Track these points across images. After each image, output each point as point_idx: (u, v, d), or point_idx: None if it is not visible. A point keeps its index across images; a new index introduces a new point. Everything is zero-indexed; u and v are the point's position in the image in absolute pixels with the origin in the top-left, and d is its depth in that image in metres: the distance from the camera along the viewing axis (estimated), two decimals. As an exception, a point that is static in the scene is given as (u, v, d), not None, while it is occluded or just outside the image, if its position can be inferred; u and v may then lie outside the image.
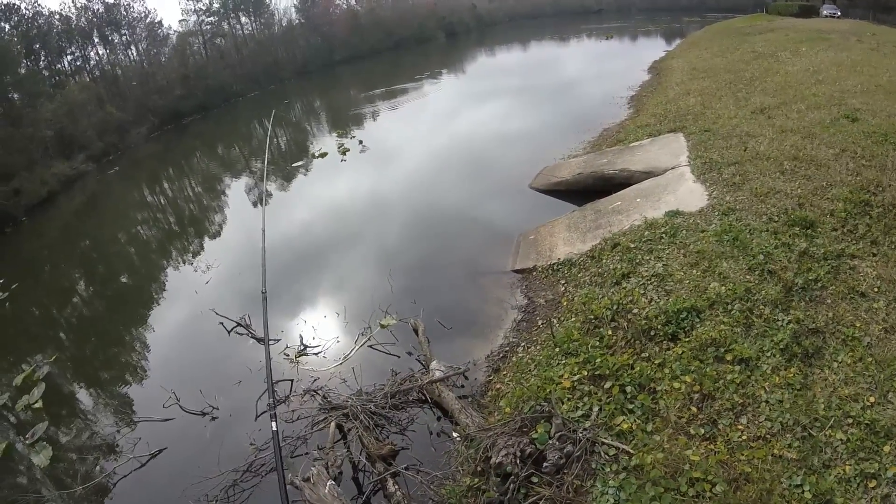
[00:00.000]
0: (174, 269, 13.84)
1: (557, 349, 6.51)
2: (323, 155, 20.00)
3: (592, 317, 6.66)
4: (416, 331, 8.39)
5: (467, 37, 57.59)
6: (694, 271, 6.74)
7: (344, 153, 19.53)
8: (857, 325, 5.59)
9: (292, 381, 7.82)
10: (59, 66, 35.30)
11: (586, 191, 11.73)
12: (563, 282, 8.48)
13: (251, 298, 10.47)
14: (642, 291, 6.71)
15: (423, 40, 55.51)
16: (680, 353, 5.64)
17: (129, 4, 39.62)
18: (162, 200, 21.46)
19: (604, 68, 26.94)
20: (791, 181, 8.28)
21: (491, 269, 9.75)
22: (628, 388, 5.43)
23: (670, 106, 14.81)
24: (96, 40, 37.32)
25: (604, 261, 8.02)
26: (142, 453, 6.96)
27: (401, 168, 16.95)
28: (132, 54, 40.36)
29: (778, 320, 5.74)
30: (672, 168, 10.23)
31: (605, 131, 15.46)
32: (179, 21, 45.68)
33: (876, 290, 5.99)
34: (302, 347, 8.53)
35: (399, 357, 8.05)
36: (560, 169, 12.77)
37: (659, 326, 6.00)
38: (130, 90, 34.34)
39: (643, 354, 5.79)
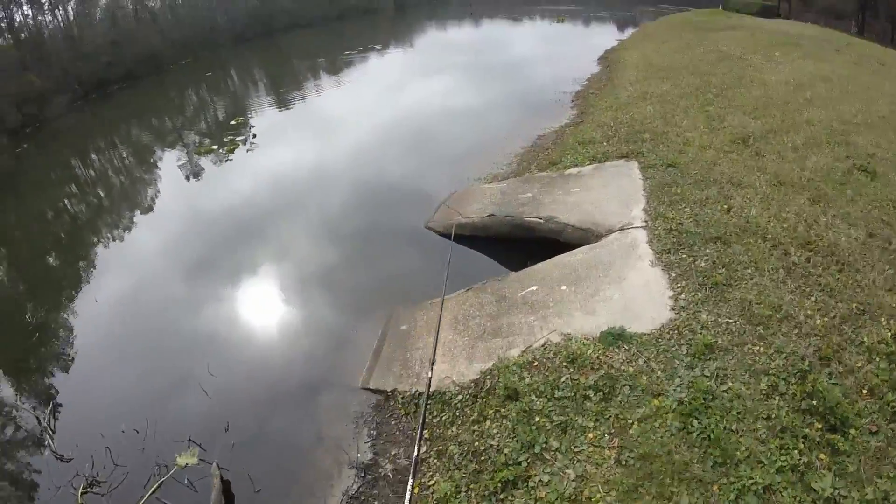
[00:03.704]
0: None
1: None
2: (208, 151, 15.83)
3: None
4: (216, 482, 5.15)
5: (418, 10, 51.86)
6: (636, 513, 3.41)
7: (231, 151, 15.42)
8: None
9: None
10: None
11: (499, 239, 8.30)
12: (424, 438, 5.01)
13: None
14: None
15: (370, 10, 49.79)
16: None
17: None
18: (81, 174, 17.25)
19: (552, 52, 23.35)
20: (805, 294, 5.07)
21: (337, 380, 6.22)
22: None
23: (621, 114, 11.47)
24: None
25: (487, 424, 4.60)
26: None
27: (283, 180, 12.70)
28: (59, 15, 33.96)
29: None
30: (620, 229, 6.89)
31: (539, 140, 11.94)
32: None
33: None
34: (90, 479, 5.57)
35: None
36: (469, 200, 9.21)
37: None
38: (56, 56, 29.03)
39: None
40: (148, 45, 34.17)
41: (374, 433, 5.43)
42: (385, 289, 7.61)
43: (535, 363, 5.02)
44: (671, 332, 4.87)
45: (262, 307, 8.00)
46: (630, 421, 4.09)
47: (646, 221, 6.85)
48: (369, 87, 21.68)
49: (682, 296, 5.30)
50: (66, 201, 14.68)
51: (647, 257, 6.09)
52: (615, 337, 4.92)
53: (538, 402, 4.52)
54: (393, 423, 5.43)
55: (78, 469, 5.70)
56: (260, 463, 5.48)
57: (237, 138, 16.33)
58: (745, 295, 5.07)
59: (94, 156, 19.09)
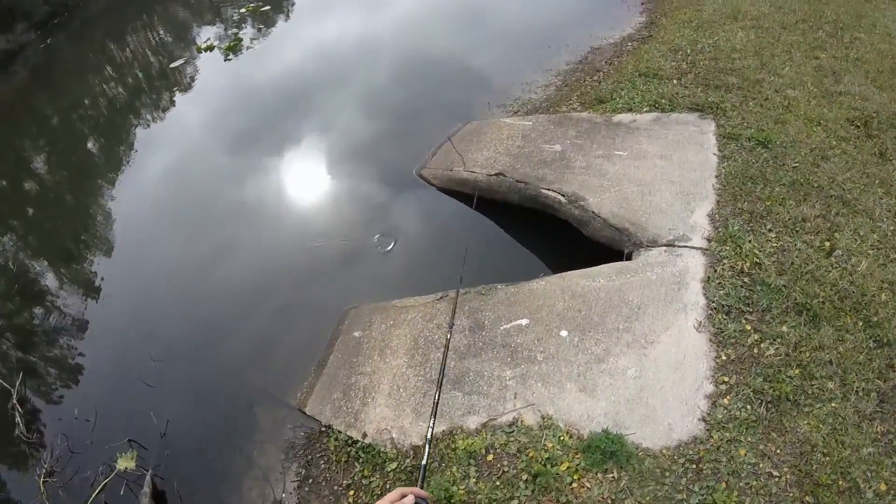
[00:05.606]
0: None
1: None
2: (209, 48, 13.62)
3: None
4: (147, 493, 4.58)
5: None
6: None
7: (233, 48, 13.23)
8: None
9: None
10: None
11: (508, 205, 6.57)
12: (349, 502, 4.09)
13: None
14: None
15: None
16: None
17: None
18: (118, 57, 15.95)
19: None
20: (893, 451, 3.44)
21: (278, 389, 5.26)
22: None
23: (703, 37, 8.41)
24: None
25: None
26: None
27: (273, 88, 10.88)
28: None
29: None
30: (669, 244, 5.07)
31: (591, 55, 9.13)
32: None
33: None
34: (48, 468, 5.20)
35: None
36: (480, 141, 7.18)
37: None
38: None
39: None
40: None
41: (303, 473, 4.52)
42: (352, 272, 6.31)
43: (491, 457, 3.78)
44: (687, 465, 3.44)
45: (211, 278, 6.87)
46: None
47: (709, 240, 4.98)
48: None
49: (725, 401, 3.74)
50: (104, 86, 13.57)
51: (696, 312, 4.39)
52: (606, 454, 3.54)
53: (474, 535, 3.38)
54: (323, 466, 4.48)
55: (37, 454, 5.35)
56: (192, 477, 4.85)
57: (238, 34, 14.21)
58: (812, 432, 3.46)
59: (129, 38, 17.42)
